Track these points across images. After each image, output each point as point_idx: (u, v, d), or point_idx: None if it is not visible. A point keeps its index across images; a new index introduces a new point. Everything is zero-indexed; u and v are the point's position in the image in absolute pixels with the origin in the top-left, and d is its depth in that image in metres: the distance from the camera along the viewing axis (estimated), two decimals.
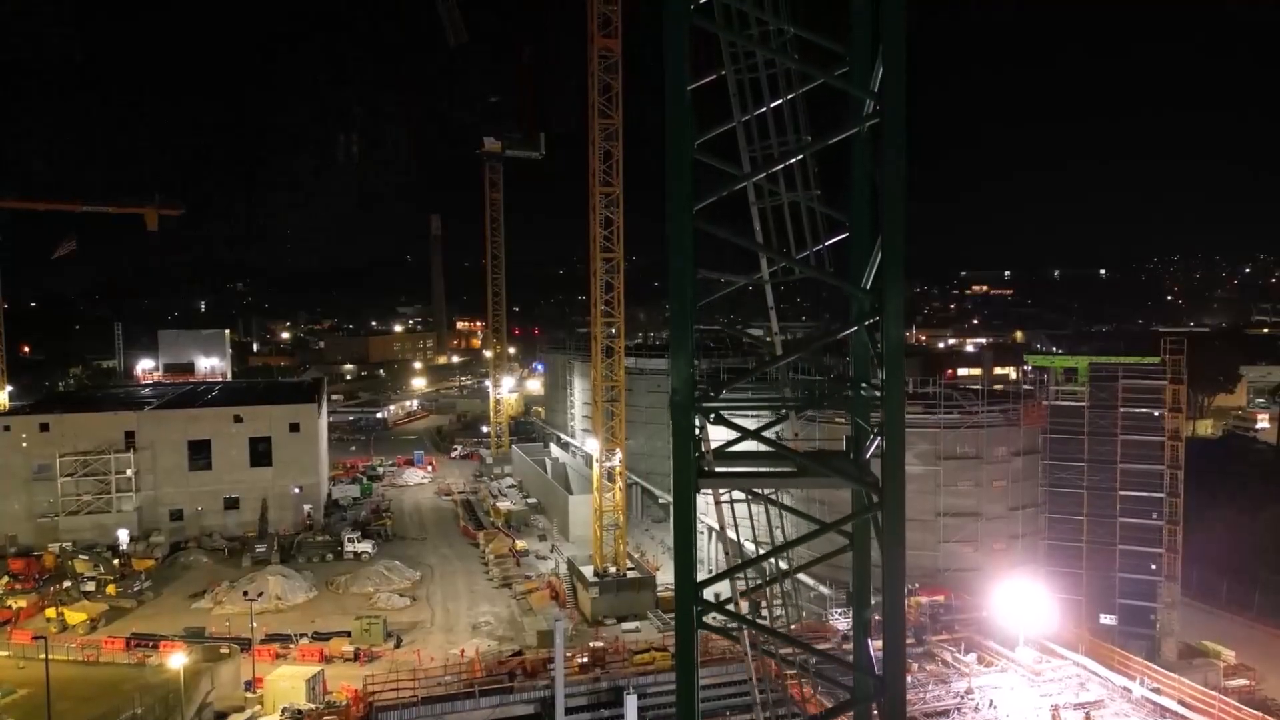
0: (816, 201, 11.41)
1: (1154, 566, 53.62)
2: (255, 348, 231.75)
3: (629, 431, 71.25)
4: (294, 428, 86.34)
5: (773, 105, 10.81)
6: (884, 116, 8.76)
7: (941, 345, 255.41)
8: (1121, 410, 53.67)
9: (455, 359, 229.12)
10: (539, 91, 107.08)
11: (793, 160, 10.74)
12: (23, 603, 63.95)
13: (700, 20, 8.80)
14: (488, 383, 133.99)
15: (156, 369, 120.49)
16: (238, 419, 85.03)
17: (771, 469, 10.77)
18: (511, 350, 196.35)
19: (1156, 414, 53.23)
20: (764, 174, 10.58)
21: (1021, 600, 46.44)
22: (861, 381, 10.85)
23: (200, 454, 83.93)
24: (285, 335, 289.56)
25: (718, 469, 10.11)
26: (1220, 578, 66.30)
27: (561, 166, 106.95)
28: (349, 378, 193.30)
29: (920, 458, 53.52)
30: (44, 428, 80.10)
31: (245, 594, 57.81)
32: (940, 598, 50.61)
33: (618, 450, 67.13)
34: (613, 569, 66.50)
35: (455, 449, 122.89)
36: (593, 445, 72.04)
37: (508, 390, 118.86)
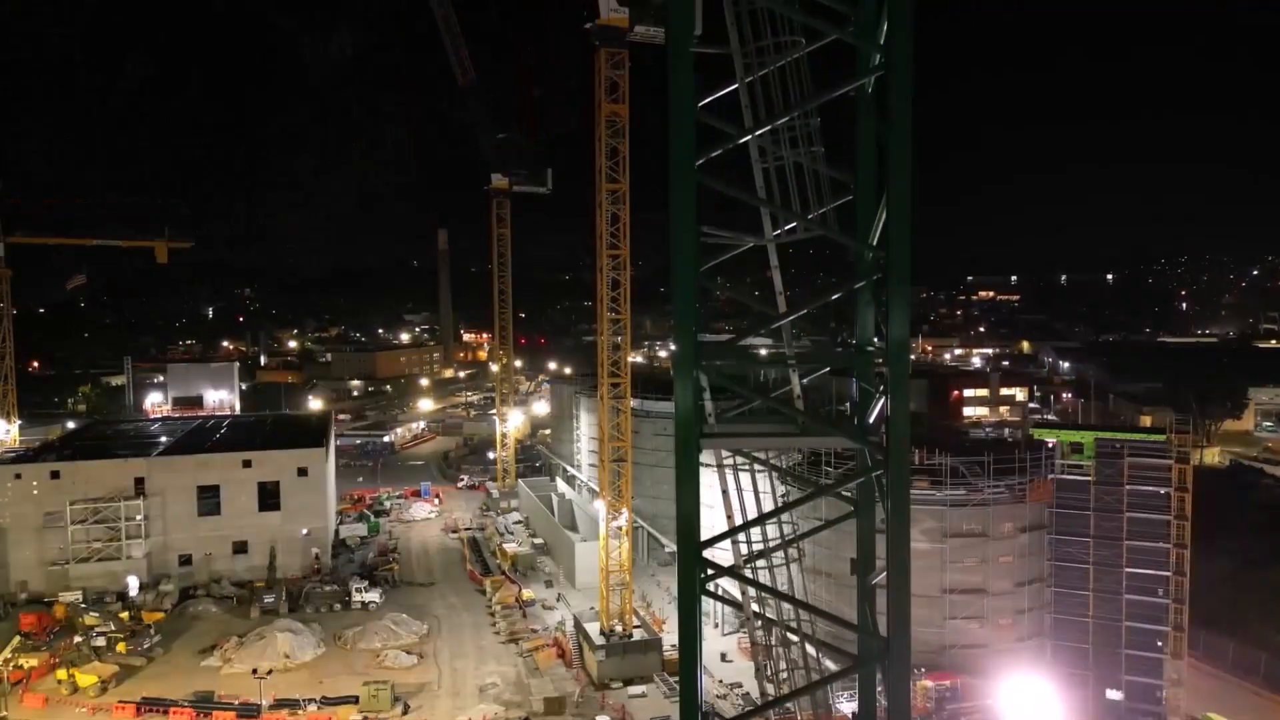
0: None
1: (1160, 644, 53.68)
2: (263, 361, 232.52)
3: (634, 473, 71.25)
4: (302, 472, 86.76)
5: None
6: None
7: (948, 356, 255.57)
8: (1127, 488, 53.69)
9: (462, 374, 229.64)
10: (545, 126, 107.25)
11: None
12: (34, 661, 64.44)
13: None
14: (492, 412, 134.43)
15: (165, 402, 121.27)
16: (247, 464, 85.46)
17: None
18: (518, 363, 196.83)
19: (1163, 492, 53.23)
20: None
21: (1028, 696, 46.58)
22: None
23: (209, 499, 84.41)
24: (292, 344, 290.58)
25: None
26: (1226, 639, 66.22)
27: (564, 167, 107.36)
28: (356, 394, 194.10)
29: (926, 534, 53.65)
30: (54, 475, 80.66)
31: (254, 672, 58.23)
32: (947, 682, 50.80)
33: (624, 510, 67.41)
34: (619, 627, 66.84)
35: (462, 479, 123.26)
36: (598, 481, 72.28)
37: (513, 425, 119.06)
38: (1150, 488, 53.26)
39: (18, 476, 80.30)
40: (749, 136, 10.05)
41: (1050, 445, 55.84)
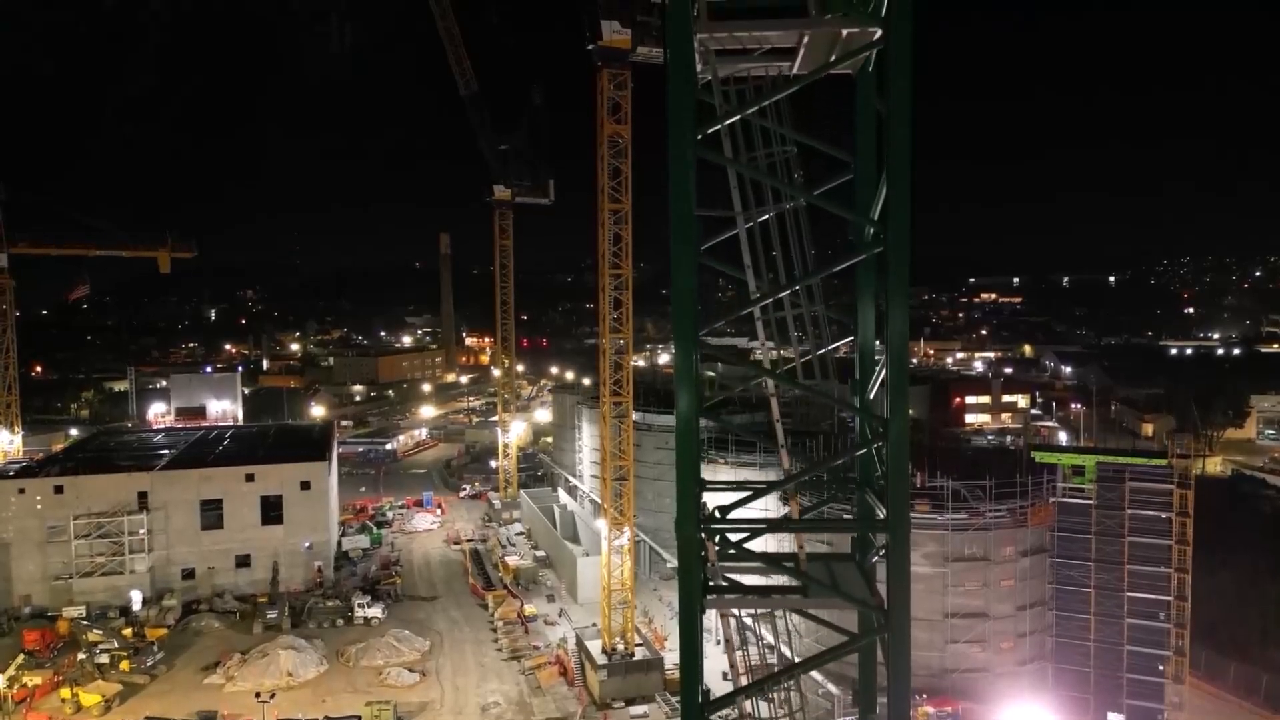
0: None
1: (1161, 668, 53.77)
2: (265, 365, 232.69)
3: (635, 485, 71.21)
4: (305, 485, 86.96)
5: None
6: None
7: (949, 360, 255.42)
8: (1129, 512, 53.77)
9: (464, 379, 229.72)
10: (550, 138, 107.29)
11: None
12: (38, 679, 64.65)
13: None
14: (494, 418, 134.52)
15: (168, 412, 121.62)
16: (249, 478, 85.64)
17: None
18: (520, 367, 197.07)
19: (1164, 516, 53.31)
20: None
21: None
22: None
23: (212, 512, 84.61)
24: (295, 346, 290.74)
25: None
26: (1227, 659, 66.19)
27: (569, 170, 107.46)
28: (358, 399, 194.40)
29: (928, 558, 53.75)
30: (58, 490, 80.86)
31: (257, 695, 58.32)
32: (949, 709, 50.90)
33: (626, 529, 67.53)
34: (621, 645, 66.97)
35: (464, 489, 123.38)
36: (600, 497, 72.43)
37: (515, 435, 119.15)
38: (1151, 512, 53.33)
39: (21, 491, 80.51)
40: (753, 307, 10.29)
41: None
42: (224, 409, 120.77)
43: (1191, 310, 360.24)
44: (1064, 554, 55.41)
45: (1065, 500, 55.73)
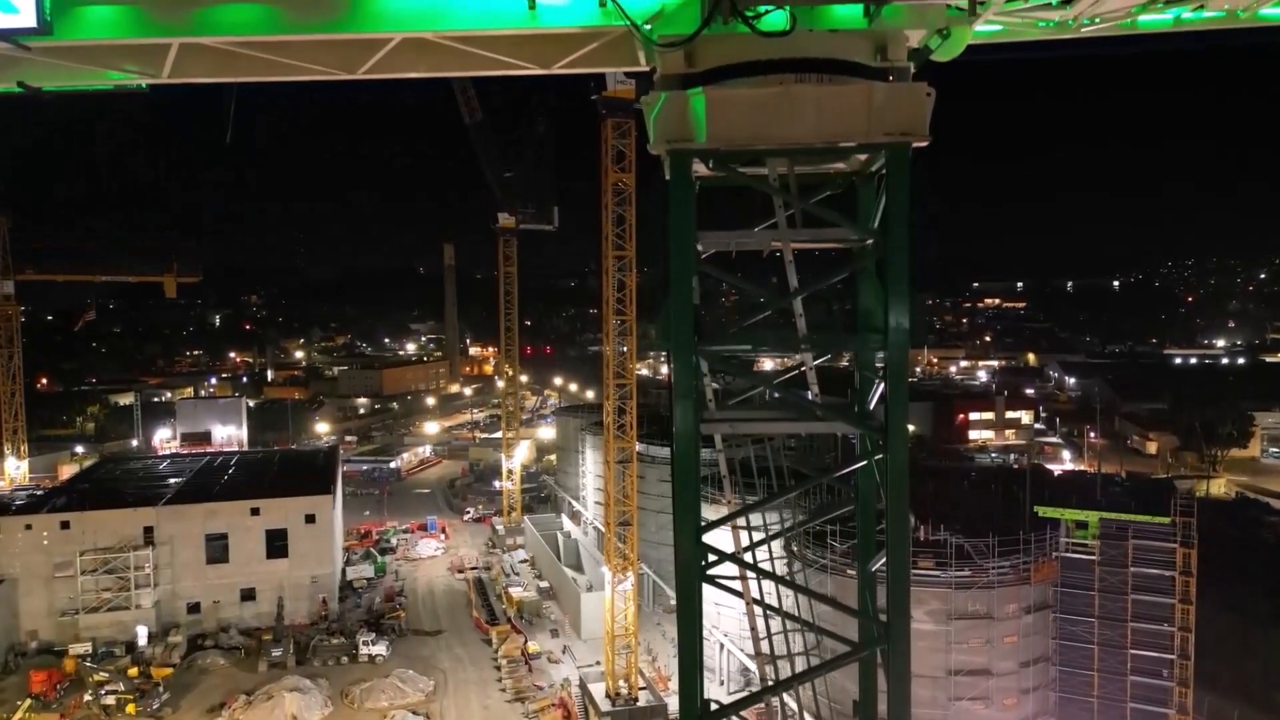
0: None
1: None
2: (270, 376, 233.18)
3: (639, 518, 71.23)
4: (310, 519, 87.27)
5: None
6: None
7: (953, 369, 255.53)
8: (1132, 570, 53.85)
9: (468, 390, 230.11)
10: (553, 165, 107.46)
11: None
12: None
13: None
14: (498, 434, 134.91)
15: (174, 437, 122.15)
16: (255, 512, 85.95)
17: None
18: (524, 378, 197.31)
19: (1168, 575, 53.37)
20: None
21: None
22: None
23: (217, 546, 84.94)
24: (299, 354, 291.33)
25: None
26: (1231, 703, 66.15)
27: (573, 174, 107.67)
28: (362, 412, 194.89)
29: (931, 615, 53.84)
30: (64, 525, 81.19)
31: None
32: None
33: (630, 573, 67.75)
34: (624, 688, 67.21)
35: (468, 511, 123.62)
36: (603, 542, 72.64)
37: (519, 460, 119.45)
38: (1155, 571, 53.40)
39: (28, 527, 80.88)
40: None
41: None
42: (229, 434, 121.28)
43: (1194, 317, 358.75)
44: (1067, 610, 55.47)
45: (1068, 555, 55.79)
